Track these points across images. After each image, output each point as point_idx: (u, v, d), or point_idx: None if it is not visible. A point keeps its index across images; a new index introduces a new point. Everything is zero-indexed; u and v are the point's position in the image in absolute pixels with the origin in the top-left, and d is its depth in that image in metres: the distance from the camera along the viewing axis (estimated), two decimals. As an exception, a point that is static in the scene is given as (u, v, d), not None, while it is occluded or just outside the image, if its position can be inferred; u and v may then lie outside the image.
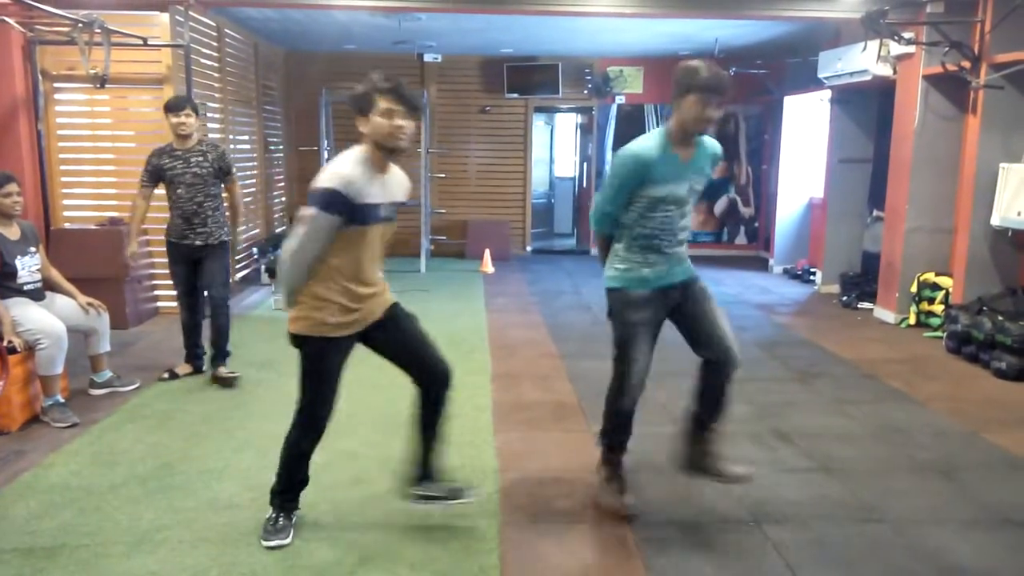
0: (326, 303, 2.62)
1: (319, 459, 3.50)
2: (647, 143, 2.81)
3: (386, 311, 2.79)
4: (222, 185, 4.64)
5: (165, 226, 4.67)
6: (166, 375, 4.67)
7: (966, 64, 5.64)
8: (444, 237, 10.11)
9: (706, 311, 2.94)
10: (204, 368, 4.78)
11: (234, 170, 4.70)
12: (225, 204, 4.69)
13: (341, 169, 2.53)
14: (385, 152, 2.59)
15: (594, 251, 9.27)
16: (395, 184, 2.72)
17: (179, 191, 4.49)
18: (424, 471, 2.90)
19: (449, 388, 2.83)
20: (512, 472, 3.41)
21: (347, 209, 2.50)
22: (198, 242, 4.55)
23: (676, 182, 2.80)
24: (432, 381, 2.81)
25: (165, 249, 4.70)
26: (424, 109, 8.93)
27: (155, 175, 4.52)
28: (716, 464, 2.98)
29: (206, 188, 4.52)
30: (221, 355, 4.68)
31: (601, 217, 2.95)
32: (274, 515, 2.84)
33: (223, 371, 4.64)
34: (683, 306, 2.96)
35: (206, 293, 4.69)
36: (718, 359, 2.91)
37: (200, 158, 4.51)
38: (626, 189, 2.82)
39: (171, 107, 4.47)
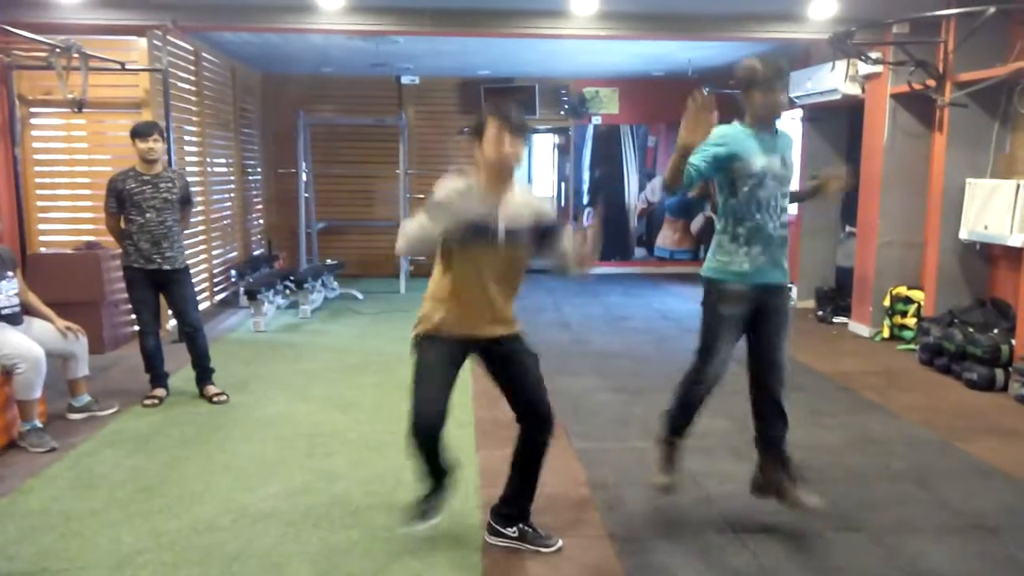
0: None
1: (299, 478, 3.52)
2: (728, 127, 2.99)
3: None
4: None
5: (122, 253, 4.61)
6: (151, 402, 4.59)
7: (931, 83, 5.78)
8: (423, 258, 10.10)
9: (771, 344, 2.98)
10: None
11: (194, 200, 4.99)
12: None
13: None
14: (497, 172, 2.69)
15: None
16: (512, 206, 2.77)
17: (148, 215, 4.47)
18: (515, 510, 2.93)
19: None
20: (494, 488, 3.39)
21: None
22: (166, 267, 4.54)
23: (769, 154, 2.92)
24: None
25: (125, 278, 4.63)
26: (402, 131, 8.99)
27: (121, 200, 4.49)
28: (784, 491, 3.07)
29: (174, 213, 4.58)
30: (207, 374, 4.75)
31: (690, 169, 2.92)
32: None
33: (213, 389, 4.70)
34: (759, 315, 2.99)
35: (180, 319, 4.70)
36: (760, 382, 3.01)
37: (170, 184, 4.56)
38: (715, 156, 2.95)
39: (139, 132, 4.47)
